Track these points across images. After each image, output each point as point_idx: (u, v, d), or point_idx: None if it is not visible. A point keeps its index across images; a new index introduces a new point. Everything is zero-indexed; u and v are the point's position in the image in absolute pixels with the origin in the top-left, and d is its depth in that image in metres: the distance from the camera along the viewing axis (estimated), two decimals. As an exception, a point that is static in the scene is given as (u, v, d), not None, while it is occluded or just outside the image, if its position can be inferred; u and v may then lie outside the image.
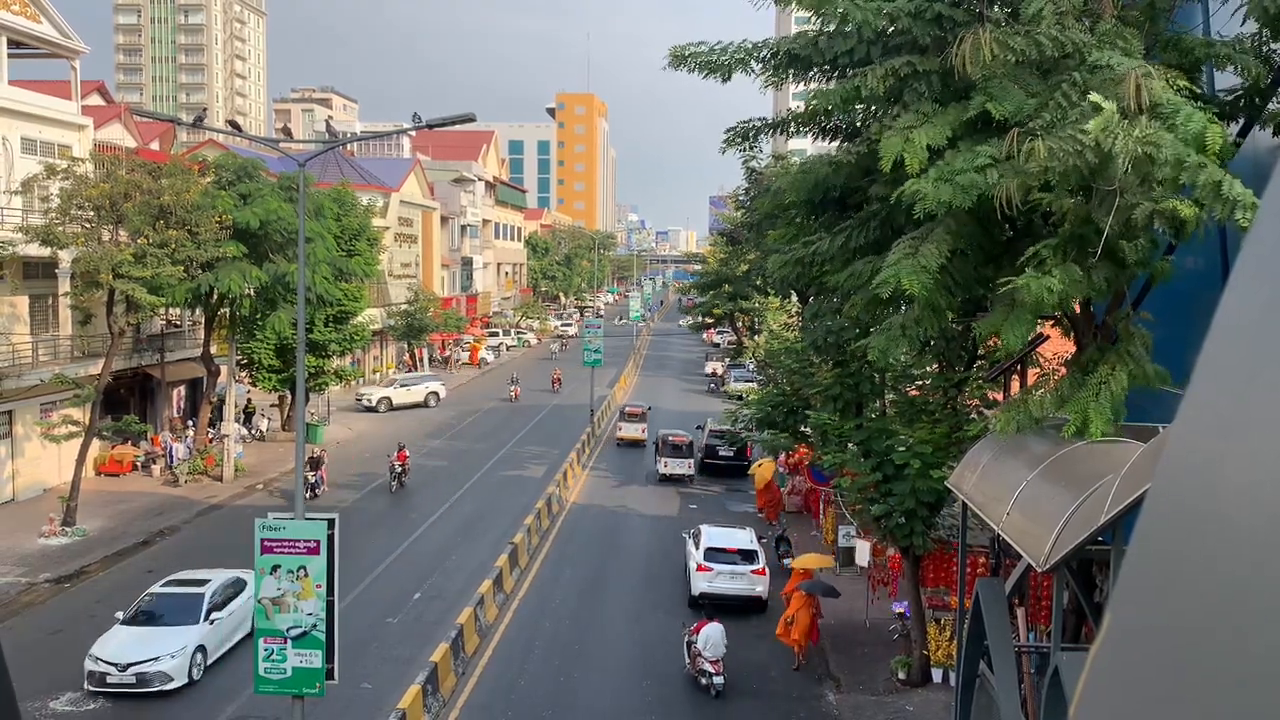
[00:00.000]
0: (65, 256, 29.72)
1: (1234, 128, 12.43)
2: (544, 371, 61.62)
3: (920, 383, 20.70)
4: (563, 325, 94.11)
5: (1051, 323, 14.35)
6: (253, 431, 41.48)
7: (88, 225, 28.22)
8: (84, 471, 28.83)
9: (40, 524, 27.32)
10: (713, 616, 19.95)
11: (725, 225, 65.04)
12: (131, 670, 17.93)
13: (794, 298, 41.08)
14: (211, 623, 19.44)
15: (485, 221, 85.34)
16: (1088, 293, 11.31)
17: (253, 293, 33.48)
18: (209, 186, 32.19)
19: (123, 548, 26.87)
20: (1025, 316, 11.34)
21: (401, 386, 52.52)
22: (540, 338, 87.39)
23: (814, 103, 13.65)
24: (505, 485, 35.20)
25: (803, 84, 15.40)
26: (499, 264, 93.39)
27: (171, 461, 34.50)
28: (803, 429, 27.65)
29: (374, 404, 50.22)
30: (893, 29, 13.10)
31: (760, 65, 14.31)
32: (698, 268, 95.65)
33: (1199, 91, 11.88)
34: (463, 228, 78.06)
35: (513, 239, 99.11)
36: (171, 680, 18.15)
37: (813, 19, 13.83)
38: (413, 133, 72.96)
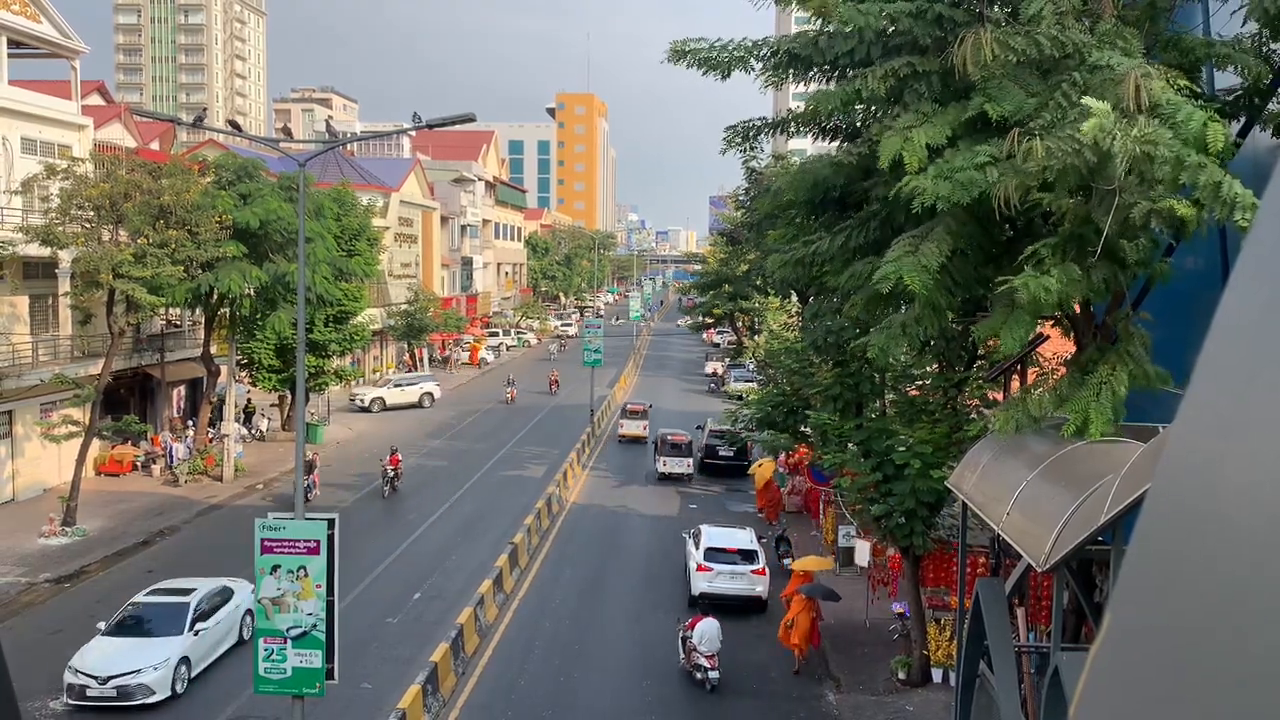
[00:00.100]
0: (65, 256, 29.72)
1: (1234, 128, 12.43)
2: (542, 373, 61.24)
3: (920, 383, 20.70)
4: (562, 325, 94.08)
5: (1051, 323, 14.35)
6: (253, 431, 41.48)
7: (88, 225, 28.23)
8: (84, 471, 28.84)
9: (40, 524, 27.33)
10: (708, 612, 19.97)
11: (725, 225, 65.01)
12: (112, 683, 17.31)
13: (794, 298, 41.09)
14: (196, 633, 18.79)
15: (485, 221, 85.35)
16: (1086, 293, 11.31)
17: (253, 293, 33.49)
18: (209, 186, 32.19)
19: (123, 548, 26.87)
20: (1024, 318, 11.34)
21: (395, 387, 52.12)
22: (540, 338, 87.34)
23: (815, 105, 13.65)
24: (505, 485, 35.20)
25: (803, 84, 15.40)
26: (499, 264, 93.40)
27: (171, 461, 34.50)
28: (803, 429, 27.65)
29: (367, 404, 49.95)
30: (893, 29, 13.10)
31: (760, 64, 14.32)
32: (698, 268, 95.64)
33: (1199, 91, 11.88)
34: (463, 228, 78.05)
35: (513, 239, 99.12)
36: (154, 693, 17.53)
37: (813, 19, 13.84)
38: (413, 133, 72.98)
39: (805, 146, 64.21)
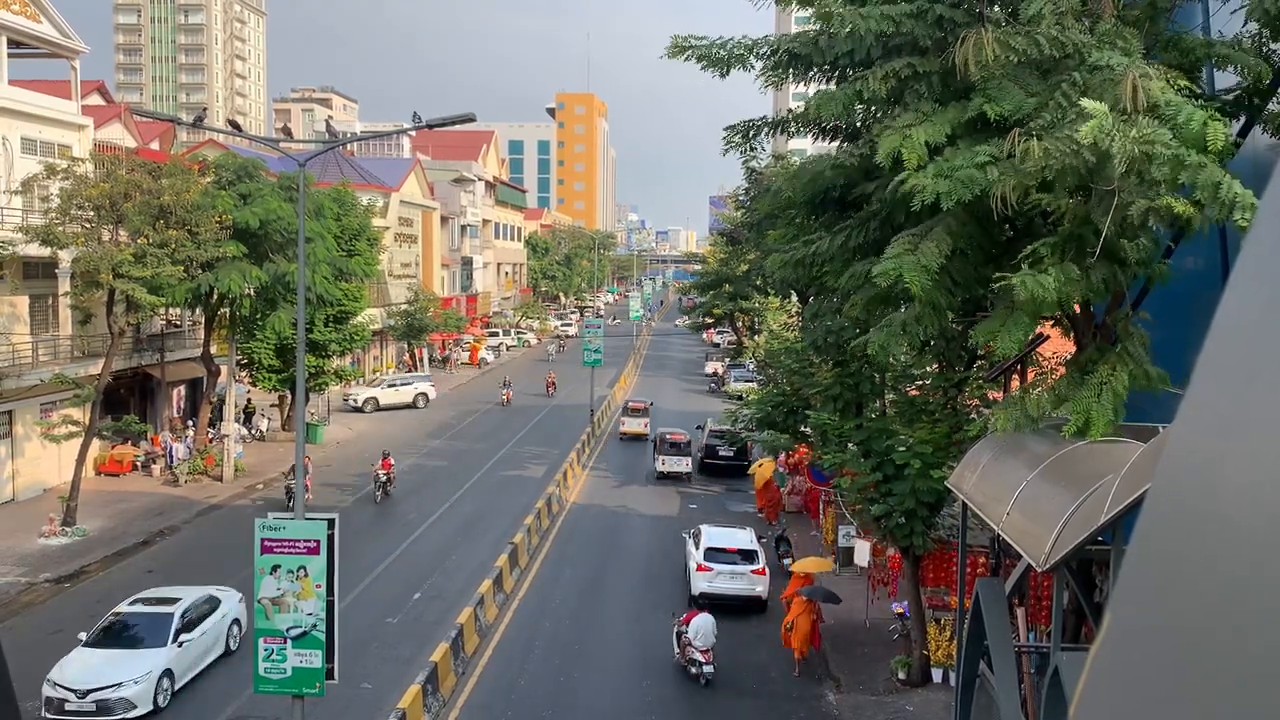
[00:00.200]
0: (65, 256, 29.72)
1: (1234, 128, 12.43)
2: (539, 374, 60.77)
3: (920, 383, 20.69)
4: (562, 325, 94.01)
5: (1051, 323, 14.36)
6: (253, 431, 41.49)
7: (88, 225, 28.23)
8: (84, 471, 28.83)
9: (40, 524, 27.33)
10: (704, 607, 19.96)
11: (725, 225, 65.02)
12: (91, 697, 16.77)
13: (794, 298, 41.09)
14: (180, 645, 18.20)
15: (485, 221, 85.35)
16: (1086, 293, 11.32)
17: (253, 293, 33.49)
18: (209, 186, 32.19)
19: (123, 548, 26.87)
20: (1022, 319, 11.35)
21: (389, 387, 51.62)
22: (540, 338, 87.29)
23: (817, 108, 13.66)
24: (505, 485, 35.21)
25: (803, 84, 15.41)
26: (499, 264, 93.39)
27: (171, 461, 34.51)
28: (803, 429, 27.65)
29: (360, 404, 49.59)
30: (892, 30, 13.12)
31: (760, 62, 14.33)
32: (698, 268, 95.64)
33: (1199, 91, 11.89)
34: (463, 228, 78.05)
35: (513, 239, 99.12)
36: (135, 708, 16.98)
37: (813, 19, 13.84)
38: (413, 133, 72.98)
39: (805, 146, 64.21)
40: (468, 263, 79.73)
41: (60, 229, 27.33)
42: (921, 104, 12.53)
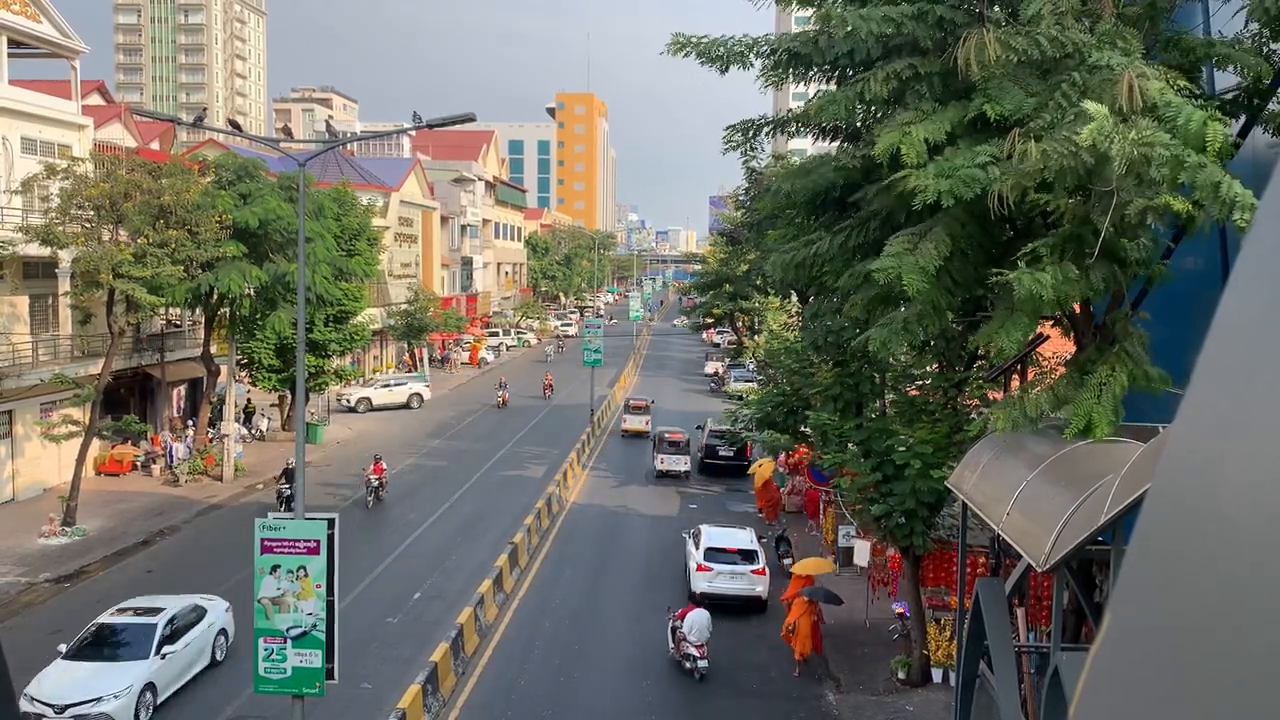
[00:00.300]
0: (65, 256, 29.72)
1: (1234, 128, 12.43)
2: (538, 375, 60.34)
3: (920, 383, 20.69)
4: (562, 325, 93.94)
5: (1051, 323, 14.37)
6: (253, 431, 41.50)
7: (88, 225, 28.23)
8: (84, 471, 28.83)
9: (40, 524, 27.33)
10: (700, 603, 19.97)
11: (725, 225, 65.04)
12: (70, 712, 16.05)
13: (794, 298, 41.11)
14: (163, 657, 17.50)
15: (485, 221, 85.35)
16: (1085, 292, 11.32)
17: (253, 292, 33.49)
18: (209, 186, 32.20)
19: (123, 547, 26.87)
20: (1021, 319, 11.35)
21: (383, 387, 51.35)
22: (540, 337, 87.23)
23: (819, 110, 13.66)
24: (505, 485, 35.21)
25: (803, 84, 15.41)
26: (499, 264, 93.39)
27: (171, 461, 34.51)
28: (803, 429, 27.64)
29: (353, 404, 49.32)
30: (893, 31, 13.13)
31: (760, 61, 14.33)
32: (698, 268, 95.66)
33: (1199, 91, 11.89)
34: (463, 228, 78.06)
35: (513, 239, 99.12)
36: None
37: (813, 19, 13.85)
38: (413, 133, 73.02)
39: (805, 146, 64.20)
40: (468, 263, 79.73)
41: (60, 229, 27.33)
42: (922, 104, 12.55)
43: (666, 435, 37.58)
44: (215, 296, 32.42)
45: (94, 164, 30.89)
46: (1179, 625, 0.71)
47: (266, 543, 13.03)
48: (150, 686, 17.11)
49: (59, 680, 16.57)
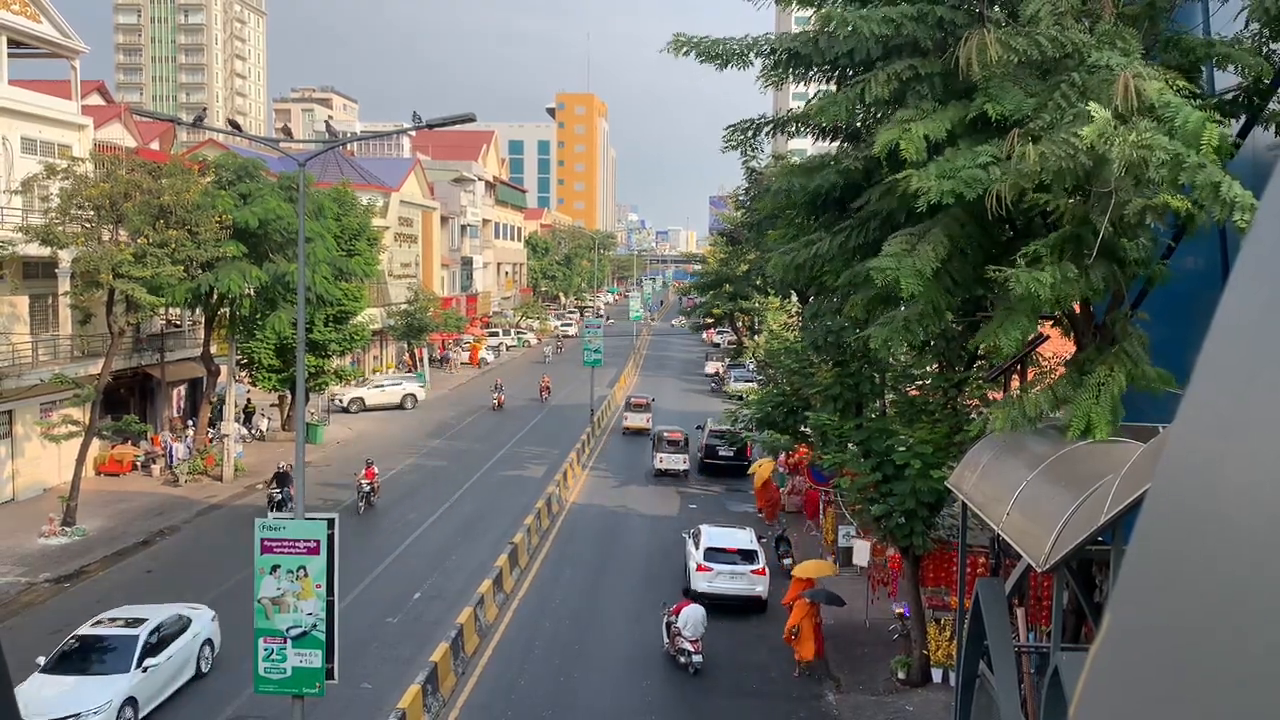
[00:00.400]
0: (65, 256, 29.73)
1: (1234, 128, 12.44)
2: (535, 376, 59.56)
3: (920, 383, 20.69)
4: (562, 325, 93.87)
5: (1051, 323, 14.37)
6: (253, 431, 41.50)
7: (88, 225, 28.23)
8: (84, 471, 28.84)
9: (40, 524, 27.33)
10: (695, 598, 19.98)
11: (725, 225, 65.03)
12: None
13: (794, 298, 41.11)
14: (145, 670, 16.85)
15: (485, 221, 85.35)
16: (1085, 292, 11.32)
17: (253, 292, 33.49)
18: (209, 186, 32.20)
19: (123, 547, 26.87)
20: (1020, 319, 11.36)
21: (376, 388, 51.12)
22: (540, 338, 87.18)
23: (820, 112, 13.66)
24: (505, 485, 35.21)
25: (803, 84, 15.42)
26: (499, 264, 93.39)
27: (171, 461, 34.51)
28: (803, 429, 27.64)
29: (346, 404, 49.02)
30: (893, 32, 13.13)
31: (760, 60, 14.34)
32: (697, 268, 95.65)
33: (1199, 91, 11.89)
34: (463, 228, 78.06)
35: (513, 239, 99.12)
36: None
37: (813, 20, 13.85)
38: (413, 133, 72.99)
39: (805, 146, 64.21)
40: (468, 263, 79.73)
41: (60, 229, 27.34)
42: (923, 104, 12.56)
43: (665, 434, 37.78)
44: (215, 296, 32.42)
45: (94, 164, 30.89)
46: (1179, 625, 0.71)
47: (266, 543, 13.04)
48: (131, 701, 16.47)
49: (36, 694, 15.76)
